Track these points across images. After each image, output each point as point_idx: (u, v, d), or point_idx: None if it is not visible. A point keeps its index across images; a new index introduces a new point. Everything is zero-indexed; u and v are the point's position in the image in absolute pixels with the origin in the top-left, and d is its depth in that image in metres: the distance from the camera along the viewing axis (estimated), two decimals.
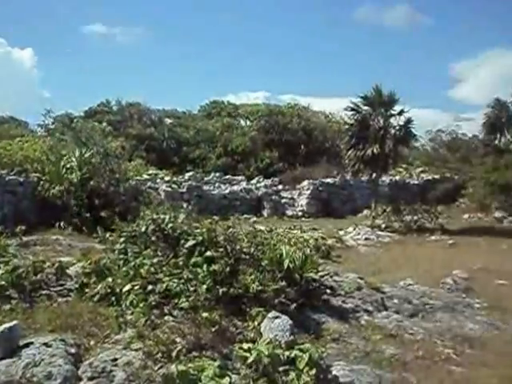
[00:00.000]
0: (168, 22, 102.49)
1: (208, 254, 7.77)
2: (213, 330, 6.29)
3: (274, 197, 26.57)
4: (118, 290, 7.36)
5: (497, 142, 40.79)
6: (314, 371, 5.57)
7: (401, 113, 22.64)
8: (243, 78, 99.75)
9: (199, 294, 7.04)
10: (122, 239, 9.02)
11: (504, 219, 25.00)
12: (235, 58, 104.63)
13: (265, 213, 25.58)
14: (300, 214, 25.87)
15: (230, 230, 8.83)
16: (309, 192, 26.55)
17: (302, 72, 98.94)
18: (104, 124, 37.83)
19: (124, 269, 7.86)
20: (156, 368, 5.44)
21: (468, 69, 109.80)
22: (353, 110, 23.44)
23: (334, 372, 5.98)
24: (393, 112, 22.87)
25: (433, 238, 18.78)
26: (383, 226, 20.18)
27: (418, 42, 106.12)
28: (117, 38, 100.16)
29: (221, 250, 7.87)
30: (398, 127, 22.84)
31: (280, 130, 40.24)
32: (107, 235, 9.84)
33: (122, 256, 8.47)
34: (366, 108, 23.31)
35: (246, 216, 23.39)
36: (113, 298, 7.33)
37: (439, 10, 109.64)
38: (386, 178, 29.57)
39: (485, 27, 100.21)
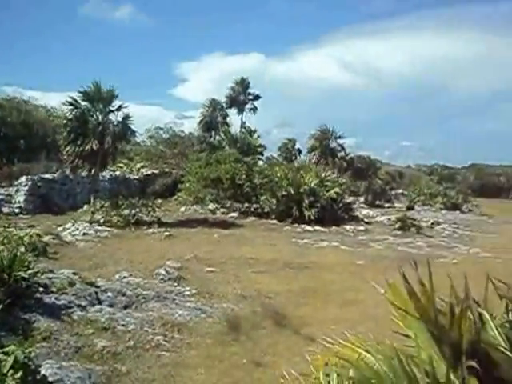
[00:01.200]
0: None
1: None
2: None
3: None
4: None
5: (212, 139, 43.98)
6: (20, 374, 5.45)
7: (119, 108, 22.97)
8: None
9: None
10: None
11: (217, 211, 27.03)
12: None
13: None
14: (17, 211, 24.35)
15: None
16: (27, 188, 25.15)
17: (27, 65, 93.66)
18: None
19: None
20: None
21: (191, 70, 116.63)
22: (71, 104, 23.04)
23: (42, 372, 5.90)
24: (112, 108, 23.04)
25: (150, 230, 19.41)
26: (102, 220, 20.14)
27: (144, 40, 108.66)
28: None
29: None
30: (116, 123, 23.05)
31: None
32: None
33: None
34: (85, 103, 23.08)
35: None
36: None
37: (161, 11, 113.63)
38: (106, 174, 29.64)
39: (203, 33, 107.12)
